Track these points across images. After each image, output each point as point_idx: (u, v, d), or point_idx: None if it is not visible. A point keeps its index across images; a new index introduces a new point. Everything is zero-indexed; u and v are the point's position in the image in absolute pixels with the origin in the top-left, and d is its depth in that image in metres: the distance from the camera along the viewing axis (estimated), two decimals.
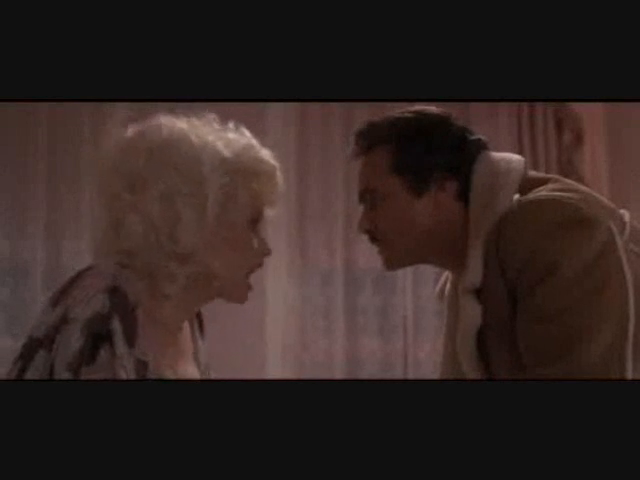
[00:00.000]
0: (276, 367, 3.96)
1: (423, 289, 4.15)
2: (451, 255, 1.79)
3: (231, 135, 1.63)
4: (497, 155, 1.82)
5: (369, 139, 1.81)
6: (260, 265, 1.67)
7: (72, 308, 1.48)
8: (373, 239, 1.85)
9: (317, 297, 4.08)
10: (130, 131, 1.62)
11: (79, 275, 1.54)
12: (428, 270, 4.06)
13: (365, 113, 3.96)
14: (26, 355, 1.50)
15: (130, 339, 1.50)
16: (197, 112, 1.64)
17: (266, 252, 1.67)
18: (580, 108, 4.19)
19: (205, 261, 1.59)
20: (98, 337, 1.47)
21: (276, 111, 3.87)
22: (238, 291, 1.66)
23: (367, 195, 1.82)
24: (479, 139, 1.82)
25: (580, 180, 1.86)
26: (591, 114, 4.23)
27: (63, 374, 1.45)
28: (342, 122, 4.08)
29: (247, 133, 1.65)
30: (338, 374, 4.02)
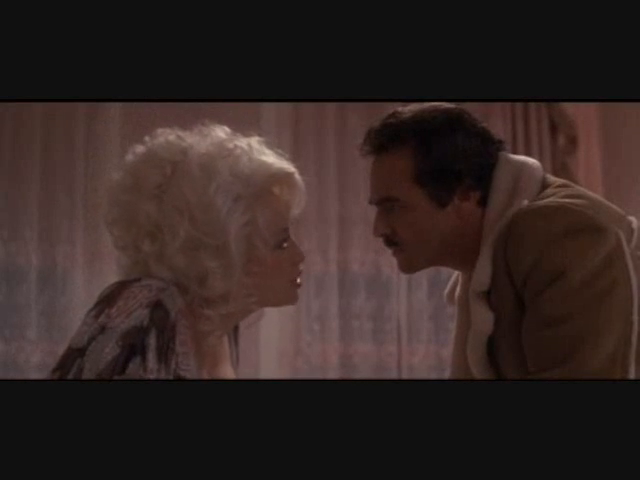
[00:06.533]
0: (270, 371, 3.95)
1: (417, 294, 4.15)
2: (467, 257, 1.77)
3: (240, 153, 1.57)
4: (517, 160, 1.79)
5: (384, 139, 1.77)
6: (300, 273, 1.64)
7: (113, 319, 1.47)
8: (389, 242, 1.81)
9: (311, 301, 4.07)
10: (129, 168, 1.57)
11: (125, 286, 1.51)
12: (422, 275, 4.06)
13: (359, 115, 3.96)
14: (65, 365, 1.48)
15: (164, 355, 1.48)
16: (201, 129, 1.59)
17: (300, 259, 1.64)
18: (574, 111, 4.19)
19: (239, 298, 1.57)
20: (132, 350, 1.46)
21: (270, 114, 3.87)
22: (286, 297, 1.64)
23: (385, 202, 1.78)
24: (499, 140, 1.79)
25: (574, 183, 1.85)
26: (585, 117, 4.23)
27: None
28: (336, 126, 4.08)
29: (254, 142, 1.59)
30: (332, 378, 4.01)
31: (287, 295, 1.64)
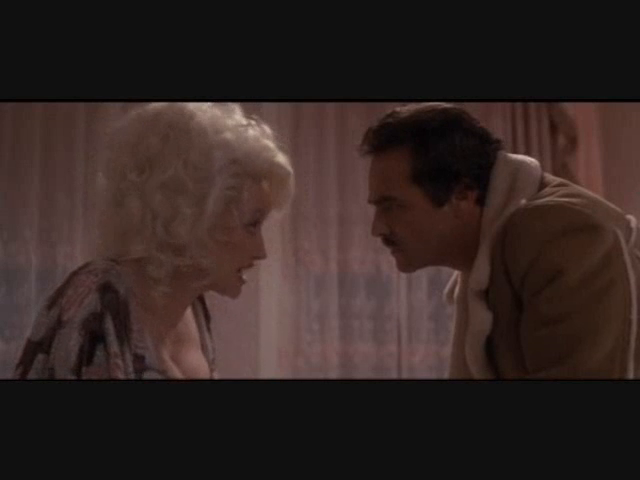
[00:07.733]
0: (270, 371, 3.96)
1: (417, 293, 4.15)
2: (466, 257, 1.77)
3: (251, 132, 1.62)
4: (515, 159, 1.80)
5: (382, 139, 1.77)
6: (250, 265, 1.66)
7: (66, 310, 1.48)
8: (387, 241, 1.82)
9: (311, 301, 4.08)
10: (151, 109, 1.61)
11: (73, 274, 1.54)
12: (422, 274, 4.06)
13: (359, 115, 3.96)
14: (26, 360, 1.51)
15: (123, 336, 1.50)
16: (218, 105, 1.63)
17: (260, 255, 1.66)
18: (574, 111, 4.19)
19: (195, 256, 1.57)
20: (94, 337, 1.47)
21: (270, 114, 3.87)
22: (230, 286, 1.65)
23: (383, 201, 1.79)
24: (497, 140, 1.80)
25: (574, 183, 1.86)
26: (585, 117, 4.23)
27: (67, 377, 1.45)
28: (336, 125, 4.08)
29: (267, 130, 1.64)
30: (332, 378, 4.02)
31: (229, 283, 1.64)
